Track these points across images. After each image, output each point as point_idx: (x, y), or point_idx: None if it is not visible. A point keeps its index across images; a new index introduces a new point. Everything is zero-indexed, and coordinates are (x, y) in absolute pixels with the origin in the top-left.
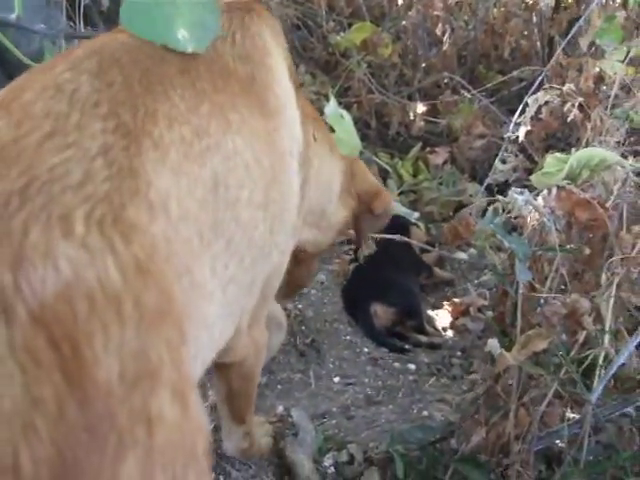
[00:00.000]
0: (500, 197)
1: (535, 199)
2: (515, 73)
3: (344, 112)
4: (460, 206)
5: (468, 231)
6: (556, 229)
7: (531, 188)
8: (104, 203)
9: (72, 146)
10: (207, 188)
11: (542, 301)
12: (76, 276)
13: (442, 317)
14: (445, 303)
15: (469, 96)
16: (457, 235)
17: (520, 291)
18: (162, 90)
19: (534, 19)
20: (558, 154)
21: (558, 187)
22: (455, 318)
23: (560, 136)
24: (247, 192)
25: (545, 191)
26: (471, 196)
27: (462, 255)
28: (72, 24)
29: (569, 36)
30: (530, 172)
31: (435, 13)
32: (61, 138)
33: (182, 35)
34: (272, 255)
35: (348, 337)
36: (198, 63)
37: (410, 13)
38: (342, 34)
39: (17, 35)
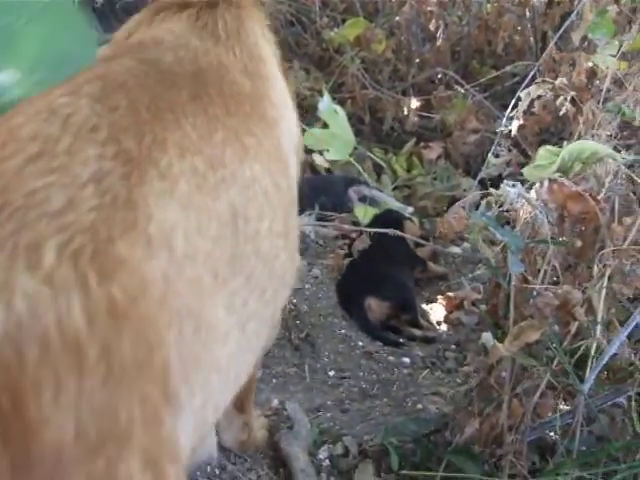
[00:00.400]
0: (493, 190)
1: (527, 192)
2: (508, 68)
3: (338, 108)
4: (454, 201)
5: (461, 224)
6: (548, 222)
7: (524, 182)
8: (86, 234)
9: (57, 171)
10: (223, 222)
11: (534, 293)
12: (31, 315)
13: (436, 311)
14: (439, 297)
15: (463, 91)
16: (450, 228)
17: (512, 283)
18: (173, 118)
19: (527, 14)
20: (550, 147)
21: (550, 180)
22: (449, 312)
23: (553, 130)
24: (268, 222)
25: (537, 184)
26: (465, 191)
27: (456, 249)
28: None
29: (561, 30)
30: (523, 166)
31: (428, 9)
32: (46, 162)
33: None
34: (292, 280)
35: (343, 331)
36: (209, 85)
37: (404, 9)
38: (336, 30)
39: None
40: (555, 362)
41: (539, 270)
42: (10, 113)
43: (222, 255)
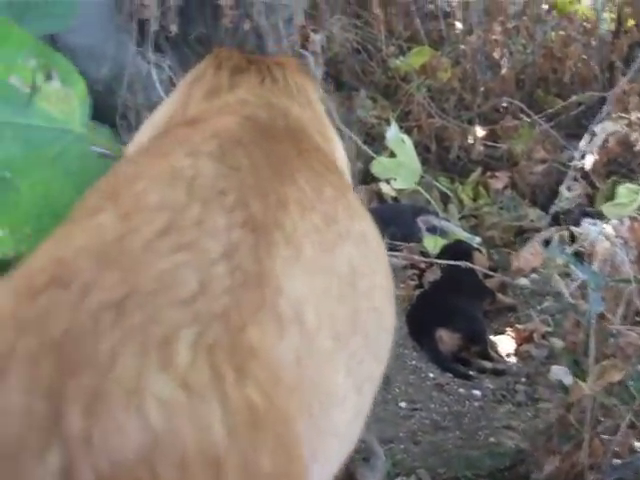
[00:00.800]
0: (572, 228)
1: (605, 229)
2: (574, 97)
3: (405, 136)
4: (521, 231)
5: (537, 260)
6: (628, 259)
7: (595, 215)
8: (219, 323)
9: (187, 247)
10: (344, 282)
11: (615, 332)
12: (167, 429)
13: (505, 343)
14: (508, 329)
15: (528, 120)
16: (526, 264)
17: (592, 321)
18: (289, 173)
19: (593, 43)
20: (630, 185)
21: (631, 218)
22: (519, 344)
23: (622, 161)
24: (378, 276)
25: (617, 221)
26: (532, 221)
27: (524, 281)
28: (141, 50)
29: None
30: (591, 198)
31: (493, 37)
32: (175, 236)
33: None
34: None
35: (413, 362)
36: (302, 141)
37: (470, 38)
38: (401, 58)
39: (87, 60)
40: (637, 402)
41: (618, 306)
42: (124, 173)
43: (344, 316)
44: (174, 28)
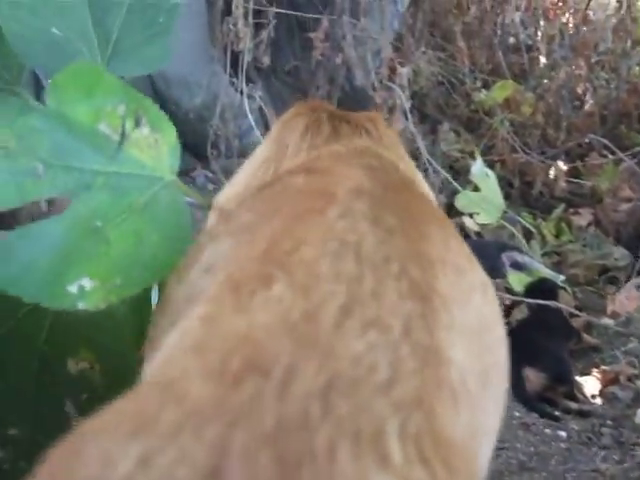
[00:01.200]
0: None
1: None
2: None
3: (489, 171)
4: (605, 270)
5: (633, 304)
6: None
7: None
8: (417, 411)
9: (373, 325)
10: (475, 337)
11: None
12: None
13: (591, 384)
14: (593, 370)
15: (612, 157)
16: (622, 307)
17: None
18: (424, 229)
19: None
20: None
21: None
22: (604, 386)
23: None
24: (499, 327)
25: None
26: (616, 260)
27: (609, 321)
28: (234, 80)
29: None
30: None
31: (577, 72)
32: (360, 313)
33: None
34: None
35: None
36: (416, 191)
37: (556, 73)
38: (484, 91)
39: (180, 89)
40: None
41: None
42: (281, 233)
43: (478, 375)
44: (266, 60)
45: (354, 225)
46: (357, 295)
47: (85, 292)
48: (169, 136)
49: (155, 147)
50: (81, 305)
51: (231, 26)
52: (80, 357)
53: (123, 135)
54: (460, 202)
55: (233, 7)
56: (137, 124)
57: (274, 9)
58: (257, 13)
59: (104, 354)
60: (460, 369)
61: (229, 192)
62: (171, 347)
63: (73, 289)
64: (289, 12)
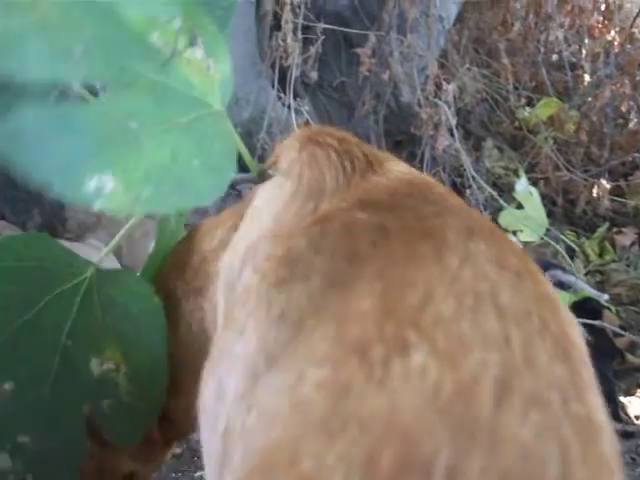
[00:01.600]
0: None
1: None
2: None
3: (532, 189)
4: None
5: None
6: None
7: None
8: None
9: (534, 402)
10: None
11: None
12: None
13: (634, 404)
14: (637, 390)
15: None
16: None
17: None
18: (533, 267)
19: None
20: None
21: None
22: None
23: None
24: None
25: None
26: None
27: None
28: (281, 95)
29: None
30: None
31: (622, 90)
32: (518, 389)
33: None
34: None
35: None
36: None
37: (598, 91)
38: (528, 109)
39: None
40: None
41: None
42: (391, 281)
43: None
44: (314, 75)
45: (484, 271)
46: (510, 363)
47: (105, 191)
48: (224, 66)
49: (207, 74)
50: (99, 203)
51: (280, 41)
52: (105, 356)
53: (174, 51)
54: (504, 220)
55: (282, 22)
56: (191, 43)
57: (322, 24)
58: (305, 28)
59: (132, 355)
60: (611, 435)
61: (254, 228)
62: (273, 414)
63: (92, 182)
64: (337, 28)
